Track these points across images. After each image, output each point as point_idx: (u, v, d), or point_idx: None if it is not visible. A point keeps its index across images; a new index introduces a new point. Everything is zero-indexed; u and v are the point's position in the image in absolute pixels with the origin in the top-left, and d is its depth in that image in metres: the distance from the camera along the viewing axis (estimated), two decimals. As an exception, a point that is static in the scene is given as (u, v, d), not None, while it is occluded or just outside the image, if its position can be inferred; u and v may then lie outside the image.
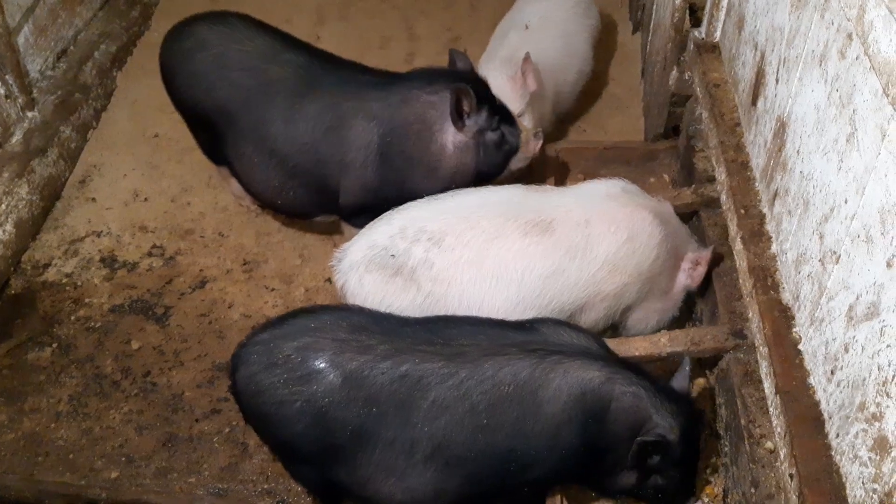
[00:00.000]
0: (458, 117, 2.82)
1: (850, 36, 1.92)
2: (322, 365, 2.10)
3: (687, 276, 2.72)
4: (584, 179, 3.33)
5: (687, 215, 3.03)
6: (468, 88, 2.76)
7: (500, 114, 2.92)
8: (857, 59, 1.88)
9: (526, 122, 3.34)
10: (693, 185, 3.01)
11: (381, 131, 2.89)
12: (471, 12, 4.78)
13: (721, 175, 2.83)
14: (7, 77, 3.39)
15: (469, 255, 2.49)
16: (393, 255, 2.51)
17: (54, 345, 3.04)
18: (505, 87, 3.24)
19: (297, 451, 2.28)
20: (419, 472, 2.16)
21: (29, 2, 3.58)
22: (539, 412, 2.12)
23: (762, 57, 2.61)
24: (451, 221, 2.54)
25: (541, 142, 3.01)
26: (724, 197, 2.81)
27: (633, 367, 2.23)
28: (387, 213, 2.66)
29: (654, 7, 3.79)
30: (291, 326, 2.20)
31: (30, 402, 2.86)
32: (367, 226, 2.65)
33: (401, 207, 2.66)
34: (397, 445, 2.13)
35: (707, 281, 2.76)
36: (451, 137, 2.87)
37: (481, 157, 2.90)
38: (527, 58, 3.24)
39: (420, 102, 2.86)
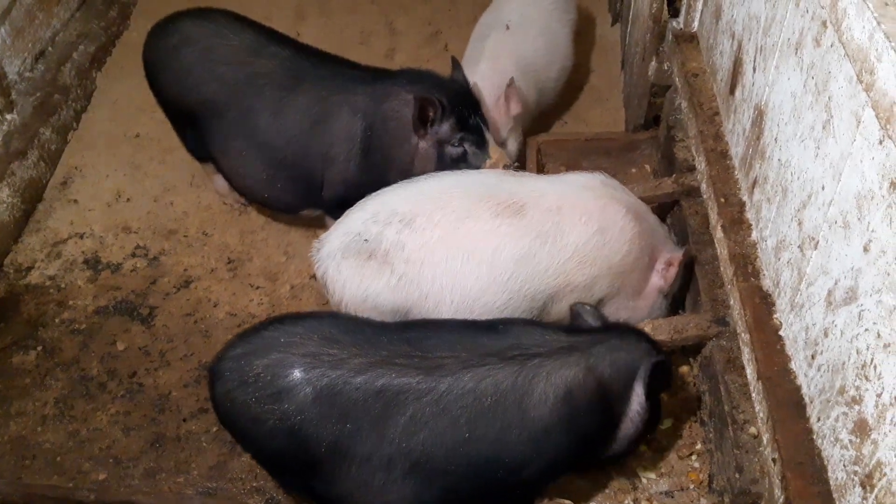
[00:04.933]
0: (419, 124, 2.82)
1: (824, 23, 1.94)
2: (292, 382, 2.08)
3: (660, 277, 2.70)
4: (566, 172, 3.34)
5: (668, 205, 3.06)
6: (433, 98, 2.77)
7: (471, 132, 2.90)
8: (831, 46, 1.90)
9: (510, 146, 3.34)
10: (674, 175, 3.03)
11: (365, 125, 2.90)
12: (450, 6, 4.77)
13: (701, 164, 2.85)
14: (-16, 80, 3.38)
15: (439, 235, 2.48)
16: (366, 240, 2.51)
17: (39, 348, 3.02)
18: (488, 111, 3.20)
19: (278, 465, 2.29)
20: (399, 488, 2.14)
21: (5, 3, 3.54)
22: (524, 419, 2.11)
23: (739, 46, 2.63)
24: (422, 202, 2.53)
25: None
26: (704, 186, 2.83)
27: (603, 330, 2.29)
28: (362, 199, 2.65)
29: (633, -2, 3.80)
30: (262, 341, 2.17)
31: (15, 406, 2.84)
32: (344, 213, 2.65)
33: (375, 193, 2.66)
34: (374, 461, 2.11)
35: (681, 283, 2.77)
36: (416, 140, 2.88)
37: (438, 167, 2.88)
38: (510, 83, 3.20)
39: (399, 99, 2.87)
